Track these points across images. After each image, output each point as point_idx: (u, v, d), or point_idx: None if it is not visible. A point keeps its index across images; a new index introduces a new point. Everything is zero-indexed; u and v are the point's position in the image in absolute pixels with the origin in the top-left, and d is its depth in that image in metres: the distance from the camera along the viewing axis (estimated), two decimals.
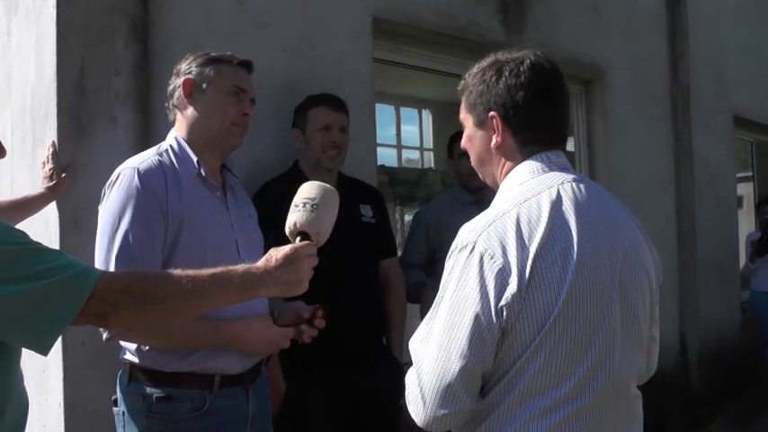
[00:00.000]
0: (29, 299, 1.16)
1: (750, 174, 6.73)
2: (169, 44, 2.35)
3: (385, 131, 6.52)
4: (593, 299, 1.22)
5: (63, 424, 2.10)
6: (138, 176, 1.69)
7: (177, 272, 1.33)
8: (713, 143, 5.38)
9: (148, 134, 2.28)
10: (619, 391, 1.28)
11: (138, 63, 2.27)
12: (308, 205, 1.47)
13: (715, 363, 5.24)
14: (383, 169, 5.78)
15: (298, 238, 1.47)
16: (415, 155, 6.98)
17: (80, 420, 2.11)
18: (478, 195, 2.95)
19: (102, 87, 2.20)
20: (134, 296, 1.28)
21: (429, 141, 6.70)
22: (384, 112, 6.43)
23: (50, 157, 2.10)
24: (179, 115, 1.86)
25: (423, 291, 2.82)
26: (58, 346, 2.11)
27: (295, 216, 1.47)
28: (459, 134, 3.16)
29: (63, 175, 2.10)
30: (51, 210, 2.15)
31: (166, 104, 1.89)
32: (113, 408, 1.78)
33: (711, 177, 5.28)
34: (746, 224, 6.53)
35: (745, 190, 6.62)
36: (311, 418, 2.40)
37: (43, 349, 1.21)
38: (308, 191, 1.50)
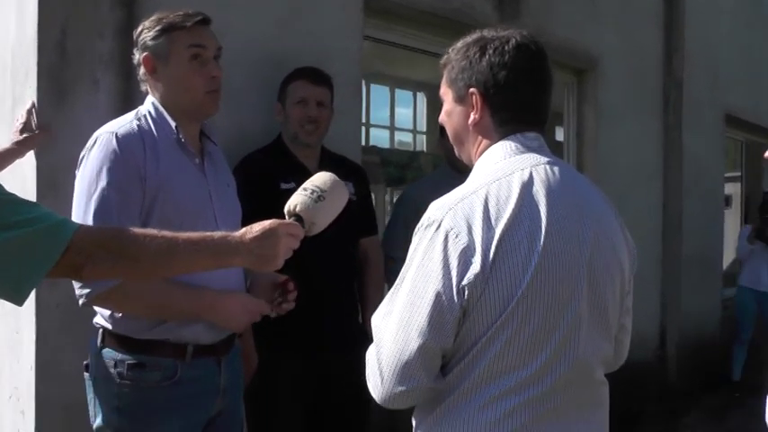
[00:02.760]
0: (6, 248, 1.17)
1: (739, 174, 6.75)
2: (154, 9, 2.30)
3: (379, 113, 6.49)
4: (559, 283, 1.21)
5: (34, 387, 2.09)
6: (117, 141, 1.66)
7: (154, 232, 1.33)
8: (703, 140, 5.39)
9: (130, 99, 2.24)
10: (582, 378, 1.27)
11: (123, 27, 2.23)
12: (315, 194, 1.46)
13: (693, 357, 5.30)
14: (375, 150, 5.76)
15: (292, 219, 1.46)
16: (408, 137, 6.97)
17: (51, 383, 2.11)
18: (466, 175, 2.97)
19: (84, 50, 2.17)
20: (110, 251, 1.28)
21: (422, 125, 6.69)
22: (379, 93, 6.41)
23: (25, 113, 2.08)
24: (150, 87, 1.83)
25: None
26: (31, 308, 2.11)
27: (298, 198, 1.47)
28: None
29: (36, 132, 2.07)
30: (29, 170, 2.13)
31: (136, 73, 1.85)
32: (84, 373, 1.77)
33: (699, 174, 5.30)
34: (733, 223, 6.56)
35: (734, 189, 6.65)
36: (281, 393, 2.40)
37: (19, 299, 1.22)
38: (322, 180, 1.49)
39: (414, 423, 1.34)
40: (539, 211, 1.22)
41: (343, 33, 2.94)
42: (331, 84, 2.55)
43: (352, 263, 2.62)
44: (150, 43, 1.76)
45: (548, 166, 1.29)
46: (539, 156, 1.30)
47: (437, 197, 3.35)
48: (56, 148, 2.11)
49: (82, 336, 2.15)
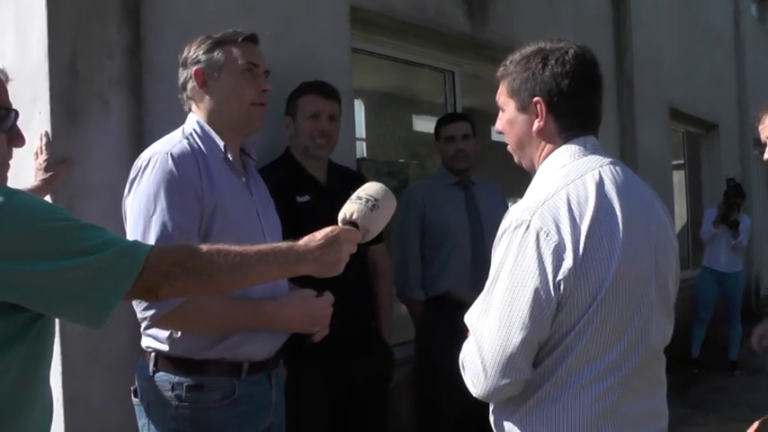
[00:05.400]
0: (82, 273, 1.16)
1: (682, 162, 7.17)
2: (159, 28, 2.29)
3: None
4: (636, 274, 1.31)
5: (63, 420, 2.03)
6: (173, 160, 1.64)
7: (226, 247, 1.33)
8: (652, 134, 5.68)
9: (141, 120, 2.22)
10: (652, 359, 1.38)
11: (131, 47, 2.21)
12: (370, 202, 1.51)
13: None
14: None
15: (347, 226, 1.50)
16: None
17: (80, 415, 2.05)
18: (461, 177, 3.21)
19: (94, 71, 2.12)
20: (186, 269, 1.28)
21: (362, 131, 6.69)
22: None
23: (44, 147, 2.01)
24: (195, 106, 1.82)
25: None
26: (55, 340, 2.04)
27: (354, 207, 1.51)
28: (445, 118, 3.38)
29: (61, 165, 2.01)
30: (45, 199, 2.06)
31: (180, 96, 1.84)
32: (133, 398, 1.74)
33: (652, 166, 5.59)
34: (679, 209, 6.94)
35: (677, 177, 7.04)
36: (307, 403, 2.41)
37: (98, 323, 1.21)
38: (375, 190, 1.54)
39: (497, 417, 1.39)
40: (613, 208, 1.31)
41: (334, 46, 2.98)
42: (339, 97, 2.58)
43: (365, 271, 2.65)
44: (203, 57, 1.77)
45: (611, 166, 1.38)
46: (601, 157, 1.39)
47: (438, 195, 3.45)
48: (71, 175, 2.05)
49: (109, 363, 2.11)
